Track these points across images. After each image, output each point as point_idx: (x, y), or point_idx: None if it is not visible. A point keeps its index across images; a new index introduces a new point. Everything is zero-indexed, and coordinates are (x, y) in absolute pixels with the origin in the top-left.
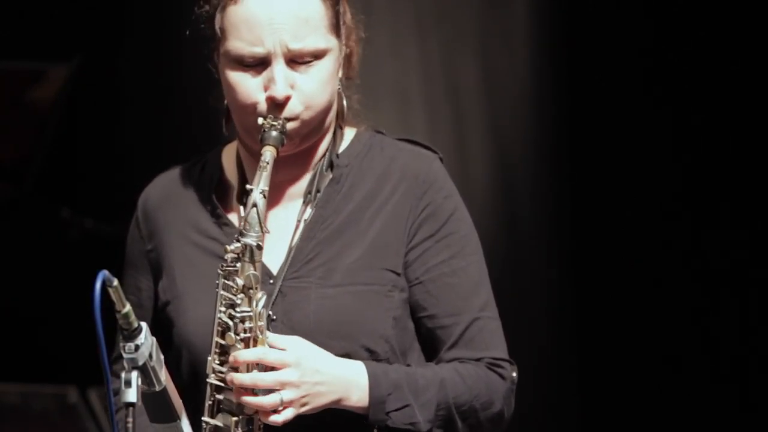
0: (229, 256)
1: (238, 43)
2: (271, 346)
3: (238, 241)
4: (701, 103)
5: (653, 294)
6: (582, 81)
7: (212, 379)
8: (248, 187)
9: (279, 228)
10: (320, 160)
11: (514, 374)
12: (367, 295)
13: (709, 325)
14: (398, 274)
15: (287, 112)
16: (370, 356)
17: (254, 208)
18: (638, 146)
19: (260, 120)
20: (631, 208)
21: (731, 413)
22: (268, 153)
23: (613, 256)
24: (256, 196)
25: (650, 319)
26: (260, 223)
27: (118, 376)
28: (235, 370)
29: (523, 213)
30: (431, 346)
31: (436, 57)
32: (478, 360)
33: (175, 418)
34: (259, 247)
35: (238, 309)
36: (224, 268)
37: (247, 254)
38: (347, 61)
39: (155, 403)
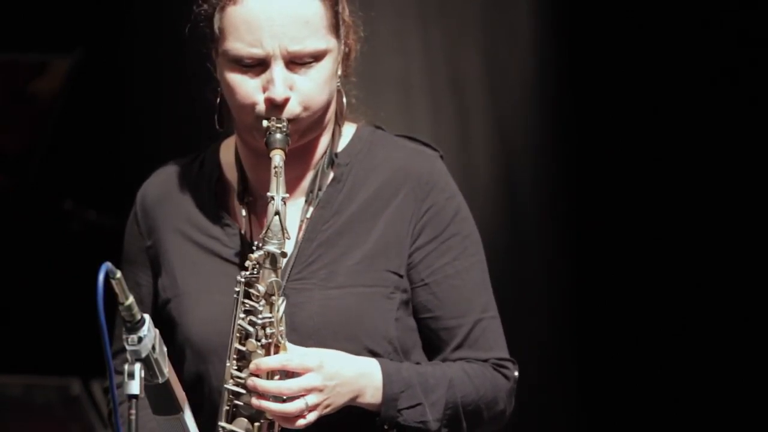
0: (249, 264)
1: (237, 44)
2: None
3: (260, 248)
4: (706, 95)
5: (656, 290)
6: (585, 73)
7: (230, 385)
8: (269, 194)
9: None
10: (321, 158)
11: (516, 373)
12: (370, 296)
13: (711, 323)
14: (401, 276)
15: (286, 113)
16: (373, 357)
17: (276, 216)
18: (642, 139)
19: (264, 123)
20: (635, 201)
21: (732, 413)
22: (278, 157)
23: (617, 249)
24: (278, 203)
25: (653, 316)
26: (283, 230)
27: (120, 372)
28: (257, 375)
29: (526, 205)
30: (434, 346)
31: (439, 49)
32: (484, 361)
33: (178, 410)
34: (284, 255)
35: (260, 316)
36: (245, 277)
37: (269, 261)
38: (346, 59)
39: (158, 395)
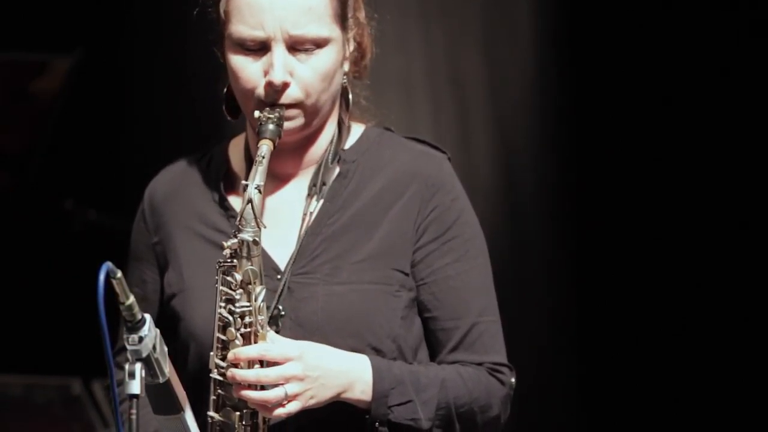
0: (226, 252)
1: (240, 27)
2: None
3: (235, 237)
4: (706, 95)
5: (657, 290)
6: (586, 72)
7: (215, 374)
8: (243, 182)
9: (284, 221)
10: (324, 152)
11: (513, 380)
12: (375, 294)
13: (711, 323)
14: (406, 275)
15: (285, 98)
16: (378, 355)
17: (249, 204)
18: (643, 139)
19: (256, 113)
20: (636, 201)
21: (732, 413)
22: (265, 147)
23: (617, 249)
24: (252, 191)
25: (653, 316)
26: (255, 218)
27: (122, 368)
28: (237, 365)
29: (526, 205)
30: (432, 346)
31: (440, 49)
32: (479, 364)
33: (178, 409)
34: (256, 243)
35: (237, 304)
36: (222, 264)
37: (245, 250)
38: (360, 59)
39: (159, 395)
